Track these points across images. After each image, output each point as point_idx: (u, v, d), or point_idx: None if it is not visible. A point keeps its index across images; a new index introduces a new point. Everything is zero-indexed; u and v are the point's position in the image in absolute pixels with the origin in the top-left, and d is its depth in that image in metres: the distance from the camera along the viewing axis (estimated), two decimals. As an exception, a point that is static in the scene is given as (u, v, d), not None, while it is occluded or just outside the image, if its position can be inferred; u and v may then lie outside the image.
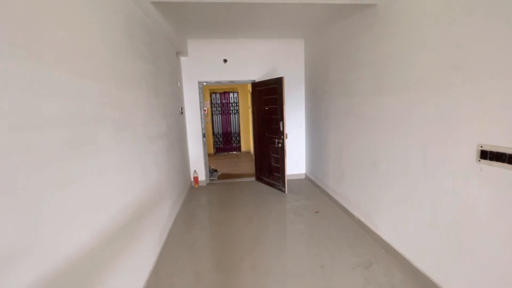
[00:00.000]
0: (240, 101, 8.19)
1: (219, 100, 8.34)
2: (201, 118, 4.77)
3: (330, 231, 2.99)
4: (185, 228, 3.17)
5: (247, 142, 8.38)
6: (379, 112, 2.61)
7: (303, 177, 5.10)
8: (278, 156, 4.29)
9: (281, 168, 4.27)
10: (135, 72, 2.20)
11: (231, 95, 8.31)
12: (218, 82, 4.70)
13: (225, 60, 4.61)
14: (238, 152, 8.46)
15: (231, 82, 4.72)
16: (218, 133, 8.49)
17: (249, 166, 6.35)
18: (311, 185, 4.67)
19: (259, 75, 4.75)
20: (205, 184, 4.92)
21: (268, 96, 4.35)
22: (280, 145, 4.18)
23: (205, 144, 4.87)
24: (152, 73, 2.73)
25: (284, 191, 4.27)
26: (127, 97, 1.99)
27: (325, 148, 4.01)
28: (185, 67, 4.57)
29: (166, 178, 3.06)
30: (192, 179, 4.83)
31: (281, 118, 4.09)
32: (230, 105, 8.38)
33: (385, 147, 2.55)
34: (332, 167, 3.81)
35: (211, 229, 3.14)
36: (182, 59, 4.55)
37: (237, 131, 8.51)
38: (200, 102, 4.73)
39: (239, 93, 8.17)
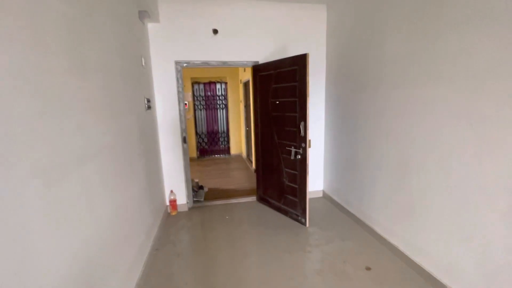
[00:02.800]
0: (229, 94, 6.73)
1: (203, 92, 6.82)
2: (181, 115, 3.29)
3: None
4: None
5: (238, 143, 6.96)
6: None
7: (320, 194, 3.81)
8: (296, 172, 2.94)
9: (299, 190, 2.93)
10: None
11: (218, 86, 6.82)
12: (206, 64, 3.23)
13: (215, 31, 3.15)
14: (227, 156, 7.01)
15: (224, 63, 3.28)
16: (202, 133, 6.98)
17: (244, 176, 4.96)
18: (334, 208, 3.38)
19: (263, 55, 3.34)
20: (186, 209, 3.47)
21: (280, 85, 2.96)
22: (299, 156, 2.83)
23: (186, 152, 3.41)
24: (77, 28, 1.27)
25: (304, 223, 2.93)
26: None
27: (368, 161, 2.72)
28: (155, 38, 3.05)
29: (117, 223, 1.61)
30: (168, 204, 3.37)
31: (302, 117, 2.73)
32: (217, 98, 6.88)
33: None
34: (384, 193, 2.53)
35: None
36: (151, 26, 3.02)
37: (225, 129, 7.05)
38: (179, 92, 3.25)
39: (227, 83, 6.70)
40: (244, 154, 6.51)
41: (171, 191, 3.34)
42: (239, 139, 6.93)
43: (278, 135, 3.11)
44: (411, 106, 2.11)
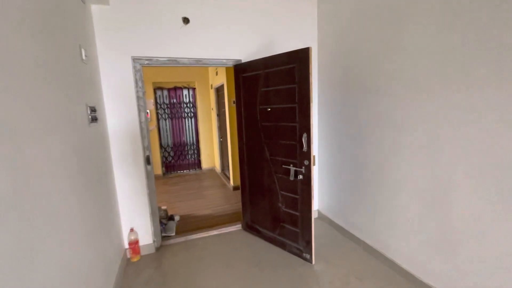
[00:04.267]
0: (198, 100, 5.97)
1: (168, 99, 5.96)
2: (142, 129, 2.51)
3: None
4: None
5: (211, 156, 6.20)
6: None
7: (315, 215, 3.28)
8: (296, 196, 2.35)
9: (302, 219, 2.34)
10: None
11: (185, 92, 6.02)
12: (174, 62, 2.51)
13: (186, 20, 2.46)
14: (198, 170, 6.19)
15: (198, 62, 2.59)
16: (168, 145, 6.08)
17: (221, 195, 4.24)
18: (336, 232, 2.86)
19: (246, 53, 2.74)
20: (153, 250, 2.65)
21: (271, 87, 2.38)
22: (301, 177, 2.26)
23: (151, 176, 2.61)
24: None
25: (309, 260, 2.34)
26: None
27: (384, 178, 2.25)
28: (103, 25, 2.26)
29: None
30: (127, 247, 2.52)
31: (304, 127, 2.16)
32: (184, 105, 6.07)
33: None
34: (412, 217, 2.06)
35: None
36: (96, 8, 2.23)
37: (194, 141, 6.24)
38: (139, 98, 2.47)
39: (196, 89, 5.94)
40: (218, 168, 5.77)
41: (131, 230, 2.51)
42: (212, 151, 6.18)
43: (270, 150, 2.51)
44: (451, 113, 1.67)
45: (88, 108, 1.83)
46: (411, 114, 1.94)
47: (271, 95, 2.40)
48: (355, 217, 2.63)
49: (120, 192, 2.48)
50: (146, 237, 2.62)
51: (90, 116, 1.84)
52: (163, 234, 2.85)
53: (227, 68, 4.25)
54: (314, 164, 2.20)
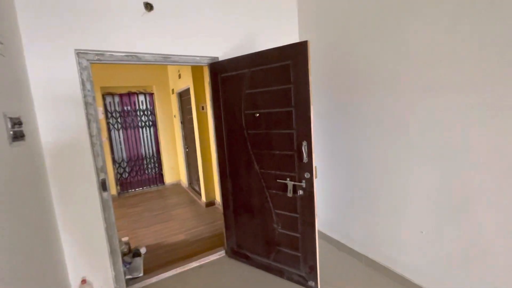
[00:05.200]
0: (157, 107, 5.29)
1: (119, 107, 5.16)
2: (94, 144, 1.90)
3: None
4: None
5: (175, 169, 5.53)
6: None
7: (304, 229, 2.98)
8: (296, 215, 2.01)
9: (304, 240, 2.00)
10: None
11: (140, 98, 5.28)
12: (134, 58, 1.98)
13: (148, 6, 1.96)
14: (161, 186, 5.46)
15: (166, 59, 2.10)
16: (122, 160, 5.25)
17: (192, 214, 3.69)
18: (335, 249, 2.61)
19: (224, 50, 2.34)
20: (115, 302, 2.04)
21: (259, 89, 2.02)
22: (301, 192, 1.93)
23: (108, 205, 2.01)
24: None
25: (313, 288, 2.02)
26: None
27: (386, 189, 2.05)
28: (32, 7, 1.64)
29: None
30: (78, 305, 1.87)
31: (303, 134, 1.85)
32: (140, 113, 5.33)
33: None
34: (425, 229, 1.87)
35: None
36: (18, -18, 1.61)
37: (154, 153, 5.52)
38: (88, 105, 1.87)
39: (154, 95, 5.26)
40: (185, 181, 5.16)
41: (83, 281, 1.87)
42: (176, 163, 5.52)
43: (260, 163, 2.13)
44: (469, 114, 1.52)
45: (9, 120, 1.23)
46: (419, 117, 1.76)
47: (259, 98, 2.04)
48: (355, 230, 2.40)
49: (65, 232, 1.83)
50: (105, 285, 2.00)
51: (11, 132, 1.24)
52: (128, 277, 2.24)
53: (194, 70, 3.76)
54: (316, 177, 1.89)
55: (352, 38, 2.16)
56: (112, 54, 1.90)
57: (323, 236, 2.76)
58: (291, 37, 2.66)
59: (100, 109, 4.80)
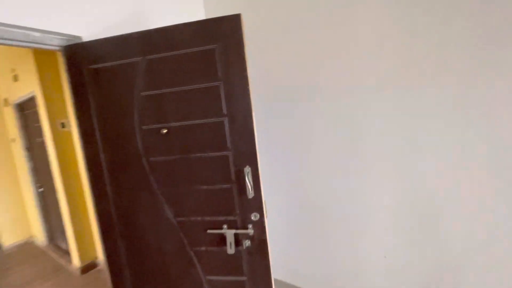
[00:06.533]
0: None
1: None
2: None
3: None
4: None
5: (20, 219, 3.59)
6: None
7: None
8: (242, 278, 1.32)
9: (256, 313, 1.34)
10: None
11: None
12: None
13: None
14: (-7, 252, 3.41)
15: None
16: None
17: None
18: (276, 291, 2.07)
19: (92, 27, 1.40)
20: None
21: (166, 89, 1.24)
22: (248, 243, 1.27)
23: None
24: None
25: None
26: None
27: (345, 213, 1.70)
28: None
29: None
30: None
31: (244, 155, 1.22)
32: None
33: None
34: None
35: None
36: None
37: (-23, 201, 3.42)
38: None
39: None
40: (42, 238, 3.41)
41: None
42: (22, 212, 3.62)
43: (175, 206, 1.33)
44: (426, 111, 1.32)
45: None
46: (372, 122, 1.50)
47: (166, 104, 1.26)
48: (302, 266, 1.95)
49: None
50: None
51: None
52: None
53: (41, 64, 2.44)
54: (266, 216, 1.29)
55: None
56: None
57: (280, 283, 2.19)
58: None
59: None
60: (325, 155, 1.69)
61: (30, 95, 2.68)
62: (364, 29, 1.44)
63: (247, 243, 1.27)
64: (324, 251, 1.82)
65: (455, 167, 1.30)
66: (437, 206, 1.38)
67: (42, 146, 2.75)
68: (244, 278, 1.32)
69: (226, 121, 1.21)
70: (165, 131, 1.27)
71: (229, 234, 1.26)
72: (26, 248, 3.47)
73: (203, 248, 1.34)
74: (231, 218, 1.28)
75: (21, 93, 2.86)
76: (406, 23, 1.32)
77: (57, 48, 1.32)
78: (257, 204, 1.24)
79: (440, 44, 1.25)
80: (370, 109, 1.49)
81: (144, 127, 1.29)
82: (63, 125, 2.53)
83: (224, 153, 1.23)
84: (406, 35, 1.33)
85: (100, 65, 1.28)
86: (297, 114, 1.77)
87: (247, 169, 1.21)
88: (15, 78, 2.86)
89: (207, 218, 1.31)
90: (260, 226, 1.26)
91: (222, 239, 1.29)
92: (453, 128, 1.28)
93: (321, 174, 1.73)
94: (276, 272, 2.11)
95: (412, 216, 1.45)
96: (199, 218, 1.32)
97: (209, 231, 1.30)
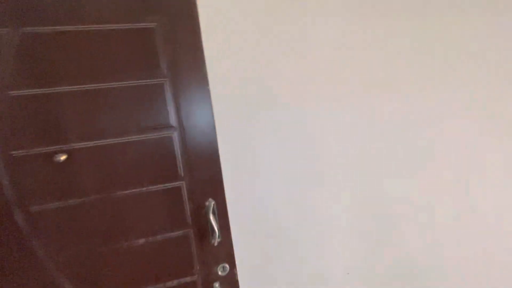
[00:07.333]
0: None
1: None
2: None
3: None
4: None
5: None
6: None
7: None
8: None
9: None
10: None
11: None
12: None
13: None
14: None
15: None
16: None
17: None
18: None
19: None
20: None
21: (69, 87, 0.74)
22: (215, 311, 0.87)
23: None
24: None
25: None
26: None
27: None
28: None
29: None
30: None
31: (205, 186, 0.85)
32: None
33: None
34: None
35: None
36: None
37: None
38: None
39: None
40: None
41: None
42: None
43: (84, 283, 0.79)
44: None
45: None
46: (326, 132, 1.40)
47: (63, 111, 0.74)
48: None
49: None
50: None
51: None
52: None
53: None
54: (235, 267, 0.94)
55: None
56: None
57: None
58: None
59: None
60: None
61: None
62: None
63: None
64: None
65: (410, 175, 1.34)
66: (394, 216, 1.38)
67: None
68: None
69: (175, 135, 0.81)
70: (62, 157, 0.75)
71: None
72: None
73: None
74: (187, 279, 0.86)
75: None
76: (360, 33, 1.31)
77: None
78: (225, 250, 0.88)
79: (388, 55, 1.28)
80: (327, 119, 1.40)
81: (15, 152, 0.72)
82: None
83: (174, 184, 0.82)
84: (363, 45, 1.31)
85: None
86: (246, 124, 1.51)
87: (210, 204, 0.84)
88: None
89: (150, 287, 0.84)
90: (231, 281, 0.89)
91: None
92: (401, 134, 1.32)
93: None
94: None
95: (372, 224, 1.42)
96: (133, 292, 0.83)
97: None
